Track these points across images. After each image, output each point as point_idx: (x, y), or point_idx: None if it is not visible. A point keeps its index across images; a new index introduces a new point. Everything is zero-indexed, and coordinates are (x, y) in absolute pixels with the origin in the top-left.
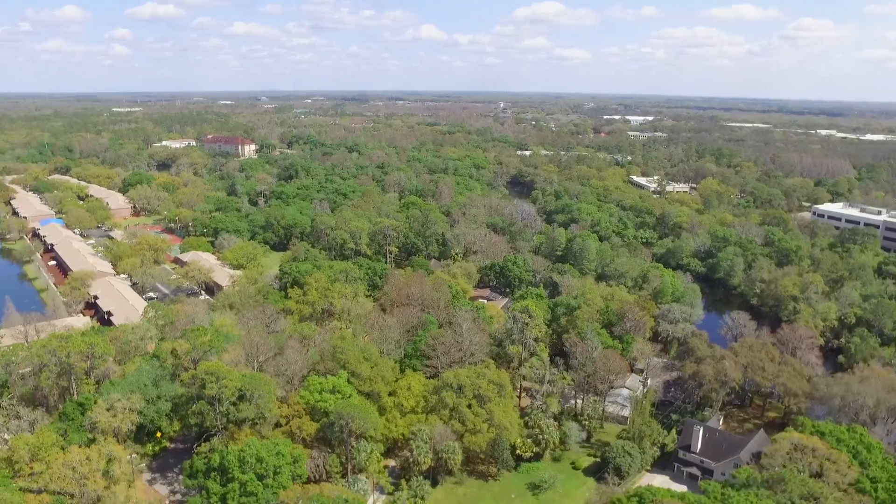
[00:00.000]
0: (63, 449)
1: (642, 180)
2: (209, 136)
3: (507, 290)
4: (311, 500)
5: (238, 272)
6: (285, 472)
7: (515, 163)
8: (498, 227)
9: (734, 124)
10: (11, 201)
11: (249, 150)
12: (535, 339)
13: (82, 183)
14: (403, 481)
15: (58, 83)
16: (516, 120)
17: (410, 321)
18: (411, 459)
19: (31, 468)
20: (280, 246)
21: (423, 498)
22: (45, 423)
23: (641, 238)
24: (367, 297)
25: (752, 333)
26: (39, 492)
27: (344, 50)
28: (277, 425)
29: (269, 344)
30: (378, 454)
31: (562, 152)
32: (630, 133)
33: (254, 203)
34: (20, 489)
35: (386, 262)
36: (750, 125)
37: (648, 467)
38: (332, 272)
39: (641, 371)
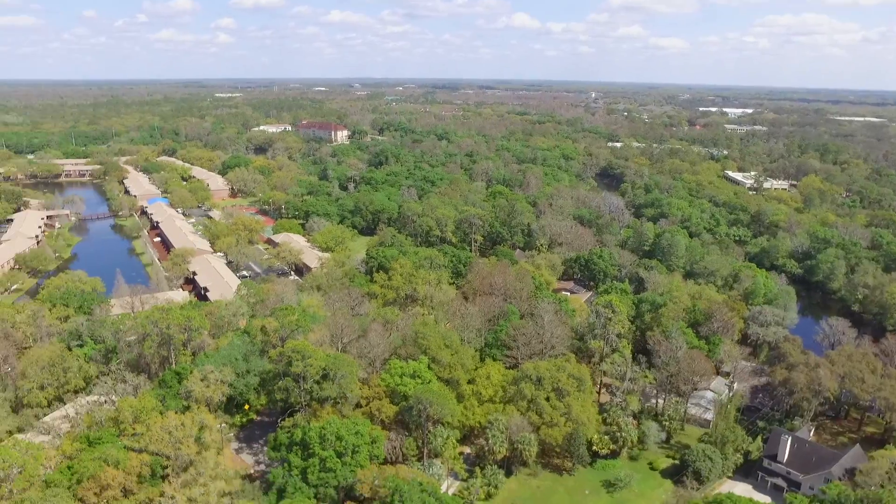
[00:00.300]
0: (161, 414)
1: (738, 176)
2: (304, 122)
3: (592, 283)
4: (387, 481)
5: (326, 255)
6: (363, 452)
7: (605, 154)
8: (584, 219)
9: (843, 118)
10: (124, 181)
11: (342, 135)
12: (618, 335)
13: (186, 165)
14: (478, 469)
15: (168, 70)
16: (608, 111)
17: (492, 310)
18: (486, 448)
19: (134, 429)
20: (367, 230)
21: (496, 487)
22: (146, 389)
23: (734, 236)
24: (450, 284)
25: (852, 342)
26: (140, 451)
27: (436, 38)
28: (358, 406)
29: (353, 326)
30: (454, 440)
31: (654, 145)
32: (727, 126)
33: (344, 188)
34: (124, 447)
35: (470, 251)
36: (861, 119)
37: (730, 474)
38: (417, 258)
39: (728, 374)
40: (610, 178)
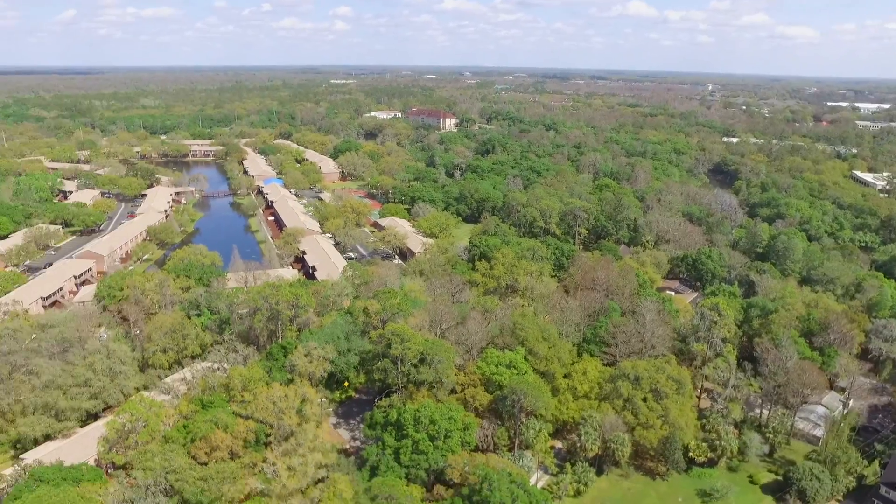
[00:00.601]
0: (267, 384)
1: (868, 177)
2: (413, 109)
3: (698, 284)
4: (477, 468)
5: (430, 240)
6: (455, 437)
7: (720, 150)
8: (694, 216)
9: None
10: (243, 161)
11: (450, 123)
12: (723, 340)
13: (300, 148)
14: (568, 465)
15: (288, 57)
16: (724, 104)
17: (593, 305)
18: (578, 444)
19: (242, 396)
20: (471, 218)
21: (585, 484)
22: (254, 360)
23: (859, 241)
24: (551, 276)
25: None
26: (247, 418)
27: (548, 26)
28: (453, 392)
29: (452, 313)
30: (546, 434)
31: (773, 141)
32: (858, 123)
33: (450, 175)
34: (233, 412)
35: (574, 244)
36: None
37: (840, 497)
38: (519, 249)
39: (843, 390)
40: (723, 175)
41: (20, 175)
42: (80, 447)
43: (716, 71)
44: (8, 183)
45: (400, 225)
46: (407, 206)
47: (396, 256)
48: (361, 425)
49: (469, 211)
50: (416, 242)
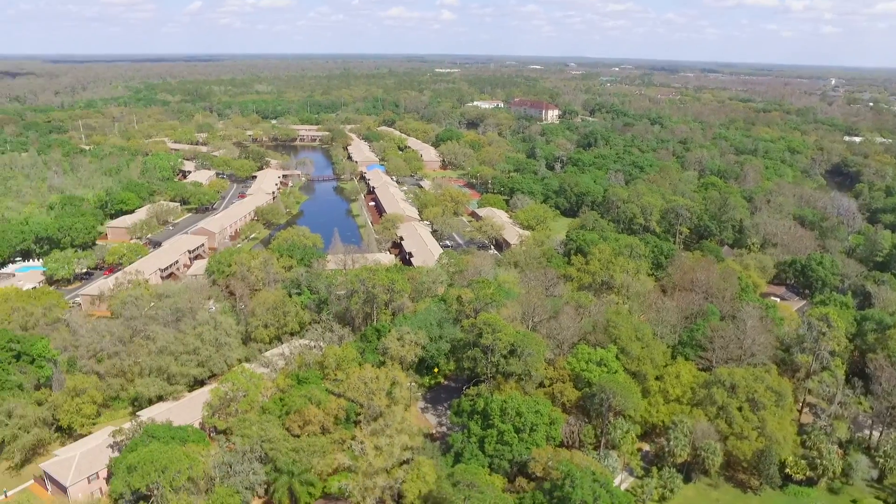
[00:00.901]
0: (360, 365)
1: None
2: (516, 99)
3: (806, 291)
4: (561, 464)
5: (527, 232)
6: (541, 431)
7: (840, 150)
8: (806, 220)
9: None
10: (348, 147)
11: (552, 115)
12: (831, 353)
13: (403, 135)
14: (655, 469)
15: (394, 46)
16: (848, 100)
17: (691, 307)
18: (667, 449)
19: (336, 375)
20: (570, 212)
21: (671, 491)
22: (349, 340)
23: None
24: (648, 275)
25: None
26: (339, 396)
27: (659, 16)
28: (541, 385)
29: (545, 306)
30: (634, 435)
31: None
32: None
33: (550, 167)
34: (326, 389)
35: (674, 243)
36: None
37: None
38: (617, 245)
39: None
40: (843, 177)
41: (147, 155)
42: (187, 410)
43: (840, 64)
44: (136, 162)
45: (497, 215)
46: (505, 197)
47: (492, 247)
48: (448, 412)
49: (568, 204)
50: (513, 234)
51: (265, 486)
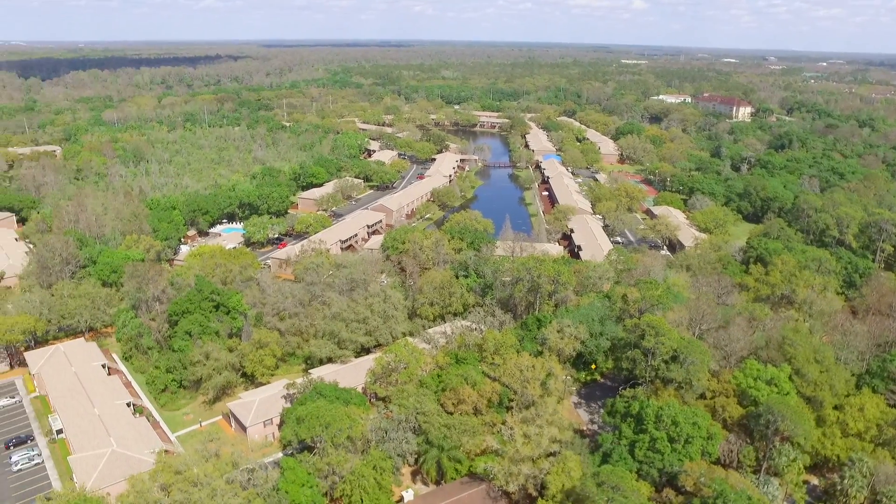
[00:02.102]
0: (518, 352)
1: None
2: (705, 94)
3: None
4: (714, 482)
5: (703, 235)
6: (696, 444)
7: None
8: None
9: None
10: (526, 135)
11: (744, 112)
12: None
13: (582, 126)
14: None
15: (580, 35)
16: None
17: (885, 334)
18: (839, 487)
19: (493, 359)
20: (753, 217)
21: None
22: (510, 327)
23: None
24: (837, 293)
25: None
26: (494, 380)
27: (884, 4)
28: (702, 397)
29: (715, 314)
30: (801, 465)
31: None
32: None
33: (736, 168)
34: (482, 372)
35: (873, 261)
36: None
37: None
38: (803, 257)
39: None
40: None
41: (338, 133)
42: (352, 374)
43: None
44: (328, 140)
45: (673, 215)
46: (684, 197)
47: (665, 247)
48: (601, 410)
49: (751, 209)
50: (688, 235)
51: (415, 456)
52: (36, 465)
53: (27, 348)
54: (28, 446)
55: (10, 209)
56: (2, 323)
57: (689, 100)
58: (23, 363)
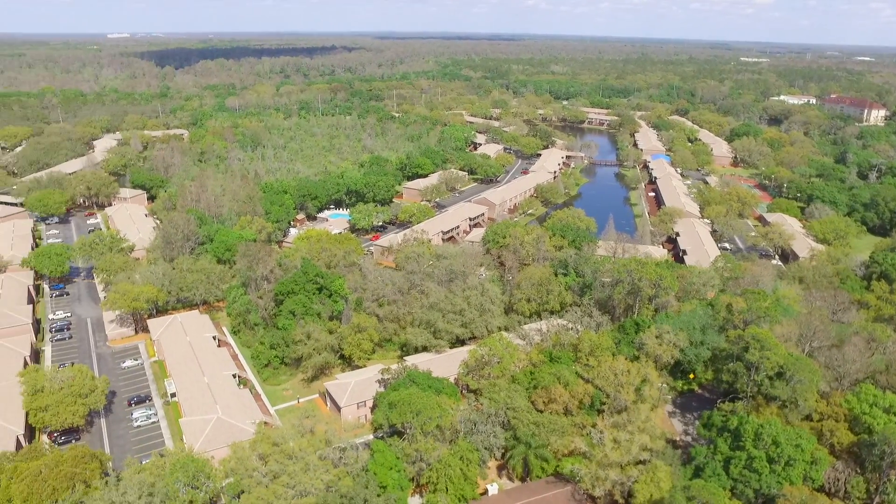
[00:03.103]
0: (613, 355)
1: None
2: (832, 96)
3: None
4: None
5: (820, 246)
6: (798, 468)
7: None
8: None
9: None
10: (635, 134)
11: (877, 115)
12: None
13: (694, 126)
14: None
15: (697, 31)
16: None
17: None
18: None
19: (588, 360)
20: (880, 230)
21: None
22: (606, 329)
23: None
24: None
25: None
26: (587, 381)
27: None
28: (807, 418)
29: (828, 332)
30: None
31: None
32: None
33: (863, 177)
34: (576, 373)
35: None
36: None
37: None
38: None
39: None
40: None
41: (445, 126)
42: (445, 365)
43: None
44: (435, 132)
45: (788, 223)
46: (801, 205)
47: (776, 257)
48: (696, 422)
49: (878, 221)
50: (803, 246)
51: (502, 451)
52: (152, 423)
53: (150, 316)
54: (147, 405)
55: (143, 187)
56: (130, 291)
57: (813, 101)
58: (145, 329)
